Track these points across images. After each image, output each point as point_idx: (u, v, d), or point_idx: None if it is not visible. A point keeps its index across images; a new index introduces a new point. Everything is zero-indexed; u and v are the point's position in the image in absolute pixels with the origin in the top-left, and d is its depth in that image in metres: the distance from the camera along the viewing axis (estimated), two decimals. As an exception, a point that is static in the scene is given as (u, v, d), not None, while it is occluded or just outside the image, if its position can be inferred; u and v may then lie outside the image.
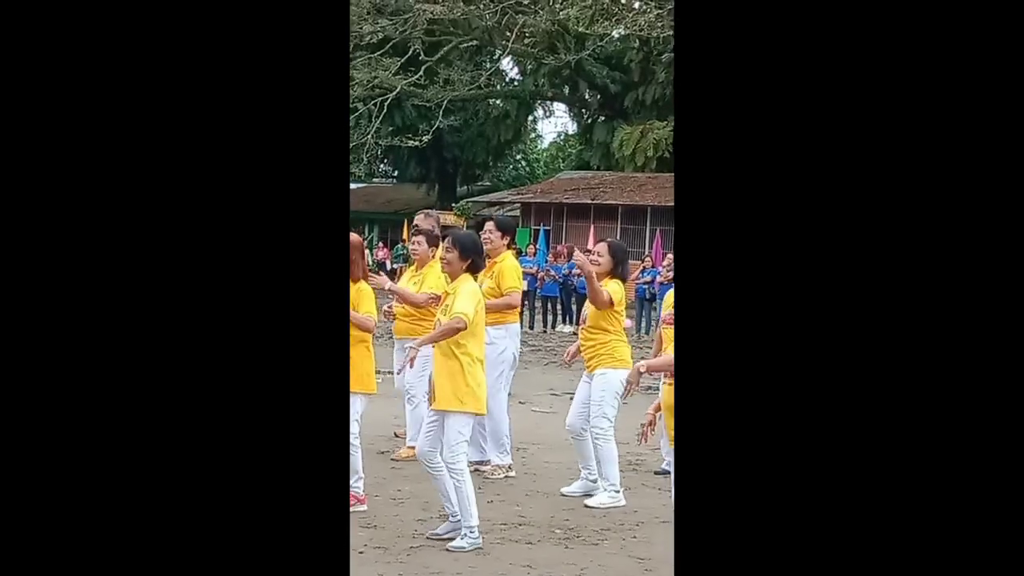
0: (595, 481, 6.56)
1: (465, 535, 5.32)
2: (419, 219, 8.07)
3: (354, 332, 5.56)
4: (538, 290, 19.78)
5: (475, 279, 5.61)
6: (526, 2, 25.93)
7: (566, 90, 34.54)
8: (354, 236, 6.09)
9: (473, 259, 5.48)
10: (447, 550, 5.26)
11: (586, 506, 6.37)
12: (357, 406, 5.72)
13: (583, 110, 35.62)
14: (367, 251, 31.49)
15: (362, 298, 5.89)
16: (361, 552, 5.13)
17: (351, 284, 5.76)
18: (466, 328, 5.30)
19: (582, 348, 6.49)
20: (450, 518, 5.46)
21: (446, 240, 5.61)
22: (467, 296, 5.35)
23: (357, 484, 5.86)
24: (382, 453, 7.54)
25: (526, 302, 19.96)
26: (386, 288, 7.14)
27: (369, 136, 27.73)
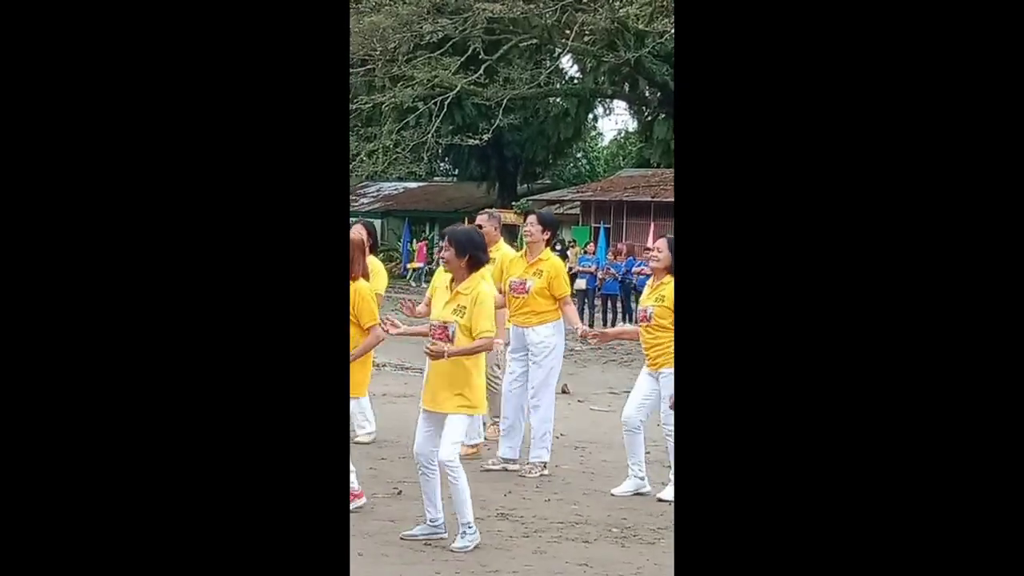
0: (643, 478, 6.60)
1: (464, 533, 5.27)
2: (481, 219, 7.67)
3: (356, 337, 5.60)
4: (599, 288, 19.72)
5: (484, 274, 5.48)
6: (585, 0, 25.86)
7: (626, 87, 34.33)
8: (355, 233, 5.90)
9: (471, 254, 5.32)
10: (451, 550, 5.22)
11: (659, 500, 6.40)
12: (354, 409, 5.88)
13: (643, 107, 35.37)
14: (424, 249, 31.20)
15: (361, 299, 5.68)
16: (420, 551, 5.20)
17: (350, 283, 5.53)
18: (492, 347, 5.55)
19: (646, 345, 6.50)
20: (428, 521, 5.41)
21: (444, 238, 5.56)
22: (488, 312, 5.31)
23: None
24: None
25: (586, 300, 19.99)
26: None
27: (429, 135, 27.83)
